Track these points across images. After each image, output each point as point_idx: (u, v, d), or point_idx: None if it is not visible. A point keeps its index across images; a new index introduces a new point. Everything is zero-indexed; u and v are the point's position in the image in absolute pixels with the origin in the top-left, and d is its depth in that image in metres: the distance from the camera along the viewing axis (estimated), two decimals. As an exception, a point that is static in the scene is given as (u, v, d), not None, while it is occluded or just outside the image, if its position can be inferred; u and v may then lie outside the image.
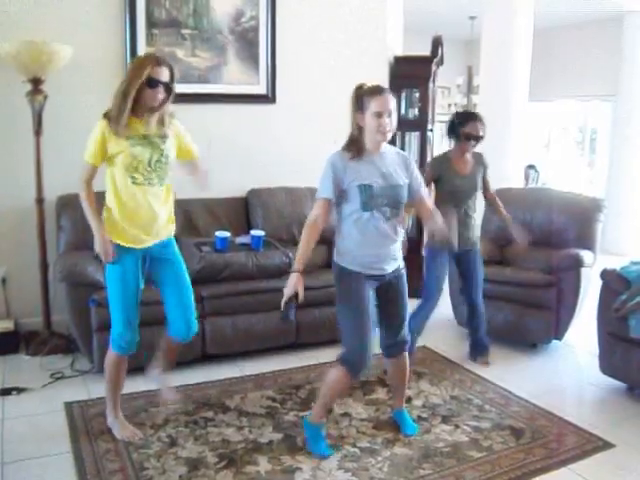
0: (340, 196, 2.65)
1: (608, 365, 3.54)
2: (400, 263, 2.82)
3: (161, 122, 2.75)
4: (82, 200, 2.73)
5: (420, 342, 4.25)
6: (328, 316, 3.88)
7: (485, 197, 3.95)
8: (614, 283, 3.49)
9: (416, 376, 3.68)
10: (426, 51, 5.34)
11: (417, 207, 2.90)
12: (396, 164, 2.73)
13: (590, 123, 9.28)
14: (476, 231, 3.88)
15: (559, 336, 4.16)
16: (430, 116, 5.49)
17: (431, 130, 5.57)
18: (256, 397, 3.36)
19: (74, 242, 3.81)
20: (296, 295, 2.53)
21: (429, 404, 3.34)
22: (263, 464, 2.70)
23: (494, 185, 3.98)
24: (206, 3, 4.37)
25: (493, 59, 6.65)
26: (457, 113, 3.97)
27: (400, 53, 5.55)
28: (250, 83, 4.61)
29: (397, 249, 2.78)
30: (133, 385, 3.41)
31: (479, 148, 3.80)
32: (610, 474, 2.72)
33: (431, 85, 5.43)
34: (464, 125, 3.66)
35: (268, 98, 4.67)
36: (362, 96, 2.62)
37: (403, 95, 5.41)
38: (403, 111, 5.45)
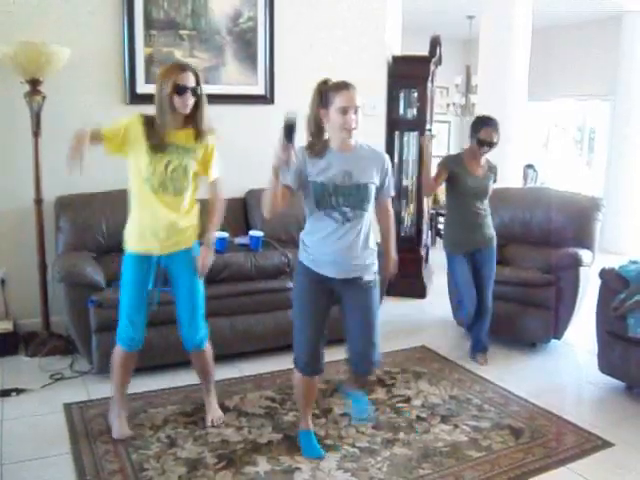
0: (305, 188, 2.54)
1: (607, 364, 3.54)
2: (367, 275, 2.63)
3: (194, 133, 2.75)
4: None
5: (419, 342, 4.27)
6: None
7: None
8: (613, 282, 3.49)
9: (415, 376, 3.69)
10: (424, 51, 5.34)
11: (377, 215, 2.76)
12: (368, 163, 2.58)
13: (589, 122, 9.28)
14: (490, 229, 3.90)
15: (558, 335, 4.17)
16: (429, 116, 5.50)
17: (429, 130, 5.58)
18: (255, 397, 3.36)
19: (73, 243, 3.82)
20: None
21: (428, 404, 3.34)
22: (262, 464, 2.70)
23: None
24: (204, 4, 4.37)
25: (491, 58, 6.66)
26: (477, 117, 4.01)
27: (398, 53, 5.55)
28: (248, 84, 4.61)
29: (363, 256, 2.59)
30: (131, 386, 3.41)
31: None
32: (609, 473, 2.72)
33: (429, 85, 5.44)
34: (479, 130, 3.73)
35: (266, 99, 4.67)
36: (327, 91, 2.48)
37: (401, 95, 5.42)
38: (402, 111, 5.47)
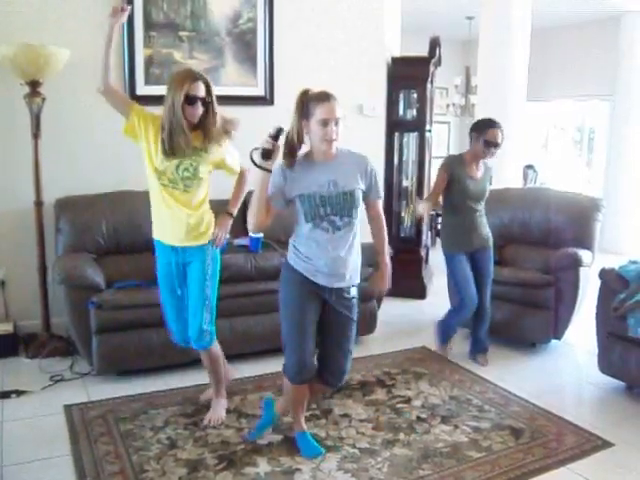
0: (291, 203, 2.58)
1: (607, 364, 3.54)
2: (352, 289, 2.67)
3: (206, 136, 2.82)
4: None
5: (419, 342, 4.27)
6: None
7: None
8: (613, 282, 3.49)
9: (415, 376, 3.69)
10: (424, 52, 5.34)
11: (368, 218, 2.75)
12: (351, 168, 2.58)
13: (588, 123, 9.28)
14: (487, 229, 3.92)
15: (558, 336, 4.17)
16: (428, 117, 5.50)
17: (429, 131, 5.58)
18: (255, 399, 3.36)
19: (73, 244, 3.81)
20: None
21: (428, 404, 3.34)
22: (262, 465, 2.70)
23: (494, 185, 4.05)
24: (203, 5, 4.38)
25: (491, 59, 6.66)
26: (479, 120, 4.02)
27: (398, 54, 5.56)
28: (248, 85, 4.61)
29: (355, 263, 2.63)
30: (132, 387, 3.42)
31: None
32: (610, 473, 2.72)
33: (429, 86, 5.44)
34: (485, 132, 3.73)
35: (266, 100, 4.67)
36: (308, 102, 2.47)
37: (401, 96, 5.42)
38: (401, 112, 5.47)
